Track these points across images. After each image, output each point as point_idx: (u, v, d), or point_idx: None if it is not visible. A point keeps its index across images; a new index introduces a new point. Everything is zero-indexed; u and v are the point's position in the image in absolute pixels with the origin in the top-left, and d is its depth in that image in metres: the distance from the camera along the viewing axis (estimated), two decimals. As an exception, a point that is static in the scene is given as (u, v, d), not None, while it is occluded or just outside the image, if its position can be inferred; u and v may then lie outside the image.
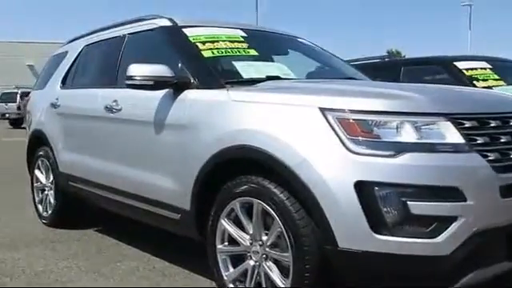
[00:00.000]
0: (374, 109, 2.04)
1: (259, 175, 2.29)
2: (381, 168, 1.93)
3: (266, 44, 3.33)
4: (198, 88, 2.71)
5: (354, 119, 2.02)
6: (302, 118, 2.15)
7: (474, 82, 4.83)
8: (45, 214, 4.44)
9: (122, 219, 3.73)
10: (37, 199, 4.60)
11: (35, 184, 4.62)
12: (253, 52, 3.11)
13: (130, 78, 2.76)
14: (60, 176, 4.09)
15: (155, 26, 3.27)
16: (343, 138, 2.00)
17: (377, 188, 1.92)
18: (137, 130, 3.07)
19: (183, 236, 2.92)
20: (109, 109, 3.33)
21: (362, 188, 1.94)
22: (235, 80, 2.74)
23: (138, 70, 2.74)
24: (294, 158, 2.09)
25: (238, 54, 3.05)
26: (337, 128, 2.03)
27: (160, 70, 2.76)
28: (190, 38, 3.06)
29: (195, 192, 2.59)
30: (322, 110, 2.09)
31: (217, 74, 2.79)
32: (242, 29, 3.37)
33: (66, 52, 4.45)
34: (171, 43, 3.09)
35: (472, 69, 5.05)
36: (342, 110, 2.06)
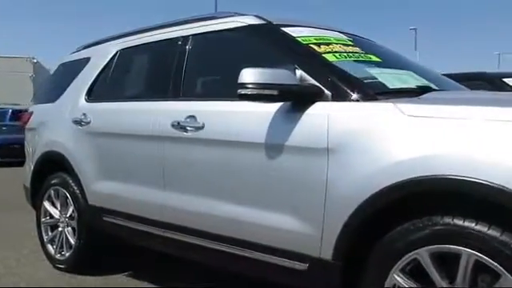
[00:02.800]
0: None
1: (457, 215, 1.72)
2: None
3: (373, 49, 2.77)
4: (335, 100, 2.10)
5: None
6: None
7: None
8: (59, 256, 3.59)
9: (150, 261, 2.98)
10: (45, 238, 3.73)
11: (43, 219, 3.75)
12: (374, 58, 2.54)
13: (244, 86, 2.10)
14: (89, 210, 3.28)
15: (241, 25, 2.63)
16: None
17: None
18: (234, 153, 2.39)
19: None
20: (181, 127, 2.62)
21: None
22: (380, 91, 2.16)
23: (255, 76, 2.09)
24: None
25: (360, 59, 2.47)
26: None
27: (284, 75, 2.14)
28: (299, 39, 2.45)
29: (344, 238, 1.96)
30: None
31: (358, 82, 2.19)
32: (337, 31, 2.80)
33: (88, 58, 3.66)
34: (277, 44, 2.46)
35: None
36: None
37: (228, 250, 2.38)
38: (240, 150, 2.35)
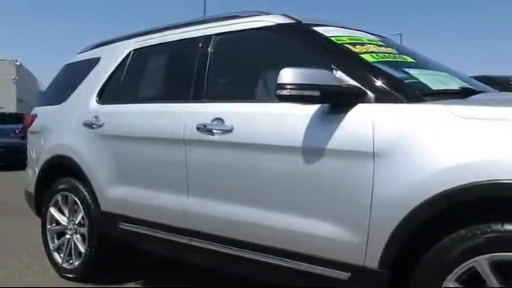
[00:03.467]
0: None
1: None
2: None
3: (404, 49, 2.69)
4: (379, 102, 2.01)
5: None
6: None
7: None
8: (67, 265, 3.44)
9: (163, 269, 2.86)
10: (51, 246, 3.57)
11: (49, 226, 3.59)
12: (409, 58, 2.46)
13: (284, 86, 2.01)
14: (102, 216, 3.14)
15: (268, 24, 2.53)
16: None
17: None
18: (267, 157, 2.28)
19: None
20: (207, 129, 2.51)
21: None
22: (425, 92, 2.08)
23: (295, 77, 1.99)
24: None
25: (396, 59, 2.39)
26: None
27: (325, 76, 2.05)
28: (333, 39, 2.37)
29: (392, 246, 1.87)
30: None
31: (403, 83, 2.11)
32: (364, 31, 2.72)
33: (98, 59, 3.52)
34: (311, 44, 2.37)
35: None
36: None
37: (263, 260, 2.27)
38: (274, 153, 2.25)
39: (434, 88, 2.13)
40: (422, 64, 2.47)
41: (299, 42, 2.41)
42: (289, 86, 2.00)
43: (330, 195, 2.06)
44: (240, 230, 2.37)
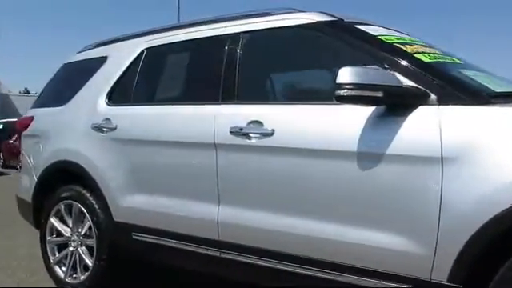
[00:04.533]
0: None
1: None
2: None
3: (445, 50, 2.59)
4: (443, 104, 1.88)
5: None
6: None
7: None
8: (70, 279, 3.17)
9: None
10: (52, 259, 3.29)
11: (49, 238, 3.32)
12: (456, 59, 2.36)
13: (343, 86, 1.86)
14: (114, 227, 2.90)
15: (307, 22, 2.39)
16: None
17: None
18: (316, 163, 2.12)
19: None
20: (243, 133, 2.33)
21: None
22: (490, 94, 1.96)
23: (356, 76, 1.85)
24: None
25: (447, 60, 2.28)
26: None
27: (387, 76, 1.92)
28: (382, 38, 2.24)
29: (465, 259, 1.74)
30: None
31: (468, 84, 1.99)
32: (397, 31, 2.61)
33: (104, 58, 3.28)
34: (359, 43, 2.22)
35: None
36: None
37: (315, 275, 2.10)
38: (324, 159, 2.09)
39: (497, 90, 2.02)
40: (469, 65, 2.37)
41: (345, 40, 2.27)
42: (349, 86, 1.86)
43: (391, 204, 1.92)
44: (286, 242, 2.19)
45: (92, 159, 3.00)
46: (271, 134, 2.25)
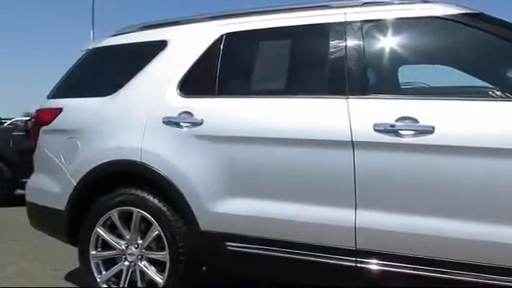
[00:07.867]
0: None
1: None
2: None
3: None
4: None
5: None
6: None
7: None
8: (128, 300, 2.70)
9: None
10: (99, 277, 2.78)
11: (94, 252, 2.80)
12: None
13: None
14: (200, 237, 2.52)
15: (448, 13, 2.25)
16: None
17: None
18: (490, 164, 1.99)
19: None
20: (393, 131, 2.13)
21: None
22: None
23: None
24: None
25: None
26: None
27: None
28: None
29: None
30: None
31: None
32: None
33: (163, 42, 2.84)
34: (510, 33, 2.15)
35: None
36: None
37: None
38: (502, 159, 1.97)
39: None
40: None
41: (497, 33, 2.17)
42: None
43: None
44: (455, 248, 2.04)
45: (167, 159, 2.58)
46: (431, 131, 2.07)
